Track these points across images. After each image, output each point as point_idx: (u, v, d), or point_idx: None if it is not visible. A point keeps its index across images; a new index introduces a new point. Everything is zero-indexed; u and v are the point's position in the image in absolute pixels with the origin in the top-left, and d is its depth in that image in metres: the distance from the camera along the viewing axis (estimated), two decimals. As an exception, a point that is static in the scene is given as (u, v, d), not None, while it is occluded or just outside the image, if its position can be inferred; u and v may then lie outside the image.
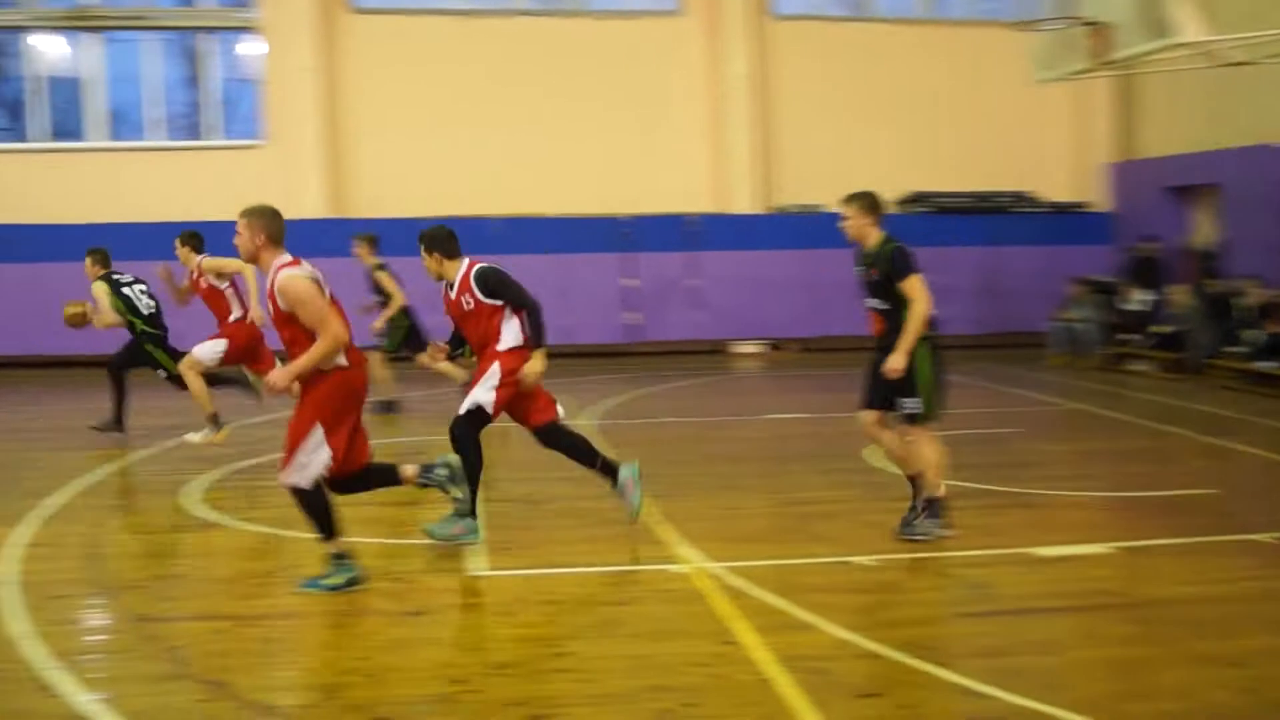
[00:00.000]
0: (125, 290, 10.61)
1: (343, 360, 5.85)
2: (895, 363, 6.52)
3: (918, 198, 19.46)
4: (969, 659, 5.00)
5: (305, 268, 5.88)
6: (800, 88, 19.61)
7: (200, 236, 10.56)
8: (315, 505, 5.97)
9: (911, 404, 6.67)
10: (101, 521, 7.55)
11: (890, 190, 18.75)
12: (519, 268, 17.89)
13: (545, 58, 18.90)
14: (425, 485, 6.47)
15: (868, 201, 6.83)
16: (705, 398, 13.86)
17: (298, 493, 5.92)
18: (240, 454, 9.79)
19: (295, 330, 5.81)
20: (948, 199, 19.57)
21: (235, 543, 7.06)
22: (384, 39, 18.59)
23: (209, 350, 10.04)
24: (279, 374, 5.83)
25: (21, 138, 19.02)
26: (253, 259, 6.00)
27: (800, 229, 18.79)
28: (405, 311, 12.29)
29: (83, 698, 4.63)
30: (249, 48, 19.02)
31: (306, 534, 7.03)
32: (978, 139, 19.73)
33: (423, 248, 6.97)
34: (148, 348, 10.65)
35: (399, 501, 7.91)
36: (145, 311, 10.64)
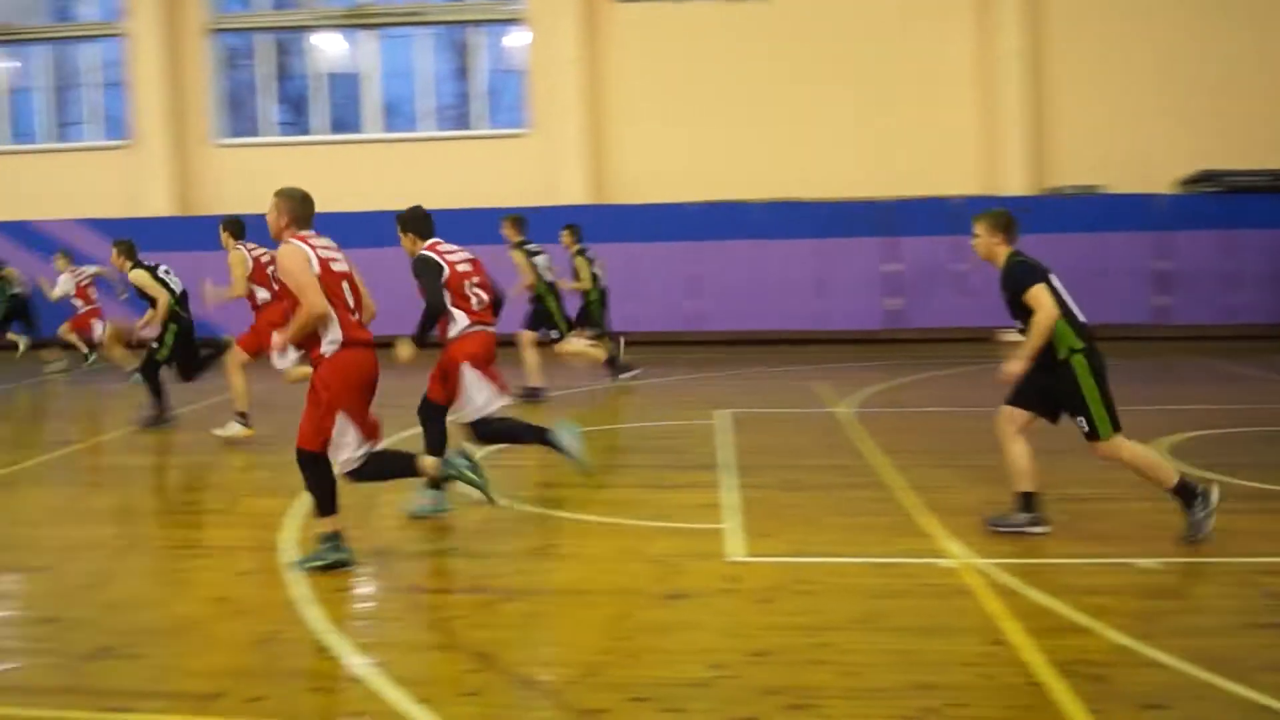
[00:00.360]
0: (161, 275, 11.04)
1: (337, 335, 6.01)
2: (1012, 368, 6.37)
3: (1205, 176, 18.03)
4: (1264, 673, 4.58)
5: (305, 244, 6.10)
6: (1077, 61, 18.65)
7: (241, 223, 10.66)
8: (321, 482, 6.13)
9: (1083, 423, 6.37)
10: (373, 495, 7.85)
11: (1177, 168, 17.68)
12: (778, 253, 17.99)
13: (806, 40, 18.68)
14: (447, 477, 6.48)
15: (996, 220, 6.64)
16: (969, 387, 13.41)
17: (306, 465, 6.09)
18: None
19: (294, 302, 6.05)
20: (1239, 177, 18.10)
21: (499, 519, 7.21)
22: (645, 26, 18.77)
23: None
24: (277, 338, 6.18)
25: (304, 131, 20.20)
26: (277, 236, 6.28)
27: (1077, 211, 17.81)
28: (553, 294, 12.39)
29: (357, 661, 4.82)
30: (515, 39, 19.57)
31: (572, 514, 7.19)
32: (1274, 110, 18.27)
33: (399, 228, 7.44)
34: (170, 330, 10.94)
35: (652, 485, 7.96)
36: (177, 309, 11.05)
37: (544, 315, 12.44)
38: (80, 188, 19.96)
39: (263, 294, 10.33)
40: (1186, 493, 6.37)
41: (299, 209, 6.28)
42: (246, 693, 4.55)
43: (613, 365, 13.09)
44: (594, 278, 13.19)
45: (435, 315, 7.22)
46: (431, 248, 7.36)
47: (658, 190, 17.84)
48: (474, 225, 17.41)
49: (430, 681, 4.60)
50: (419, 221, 7.47)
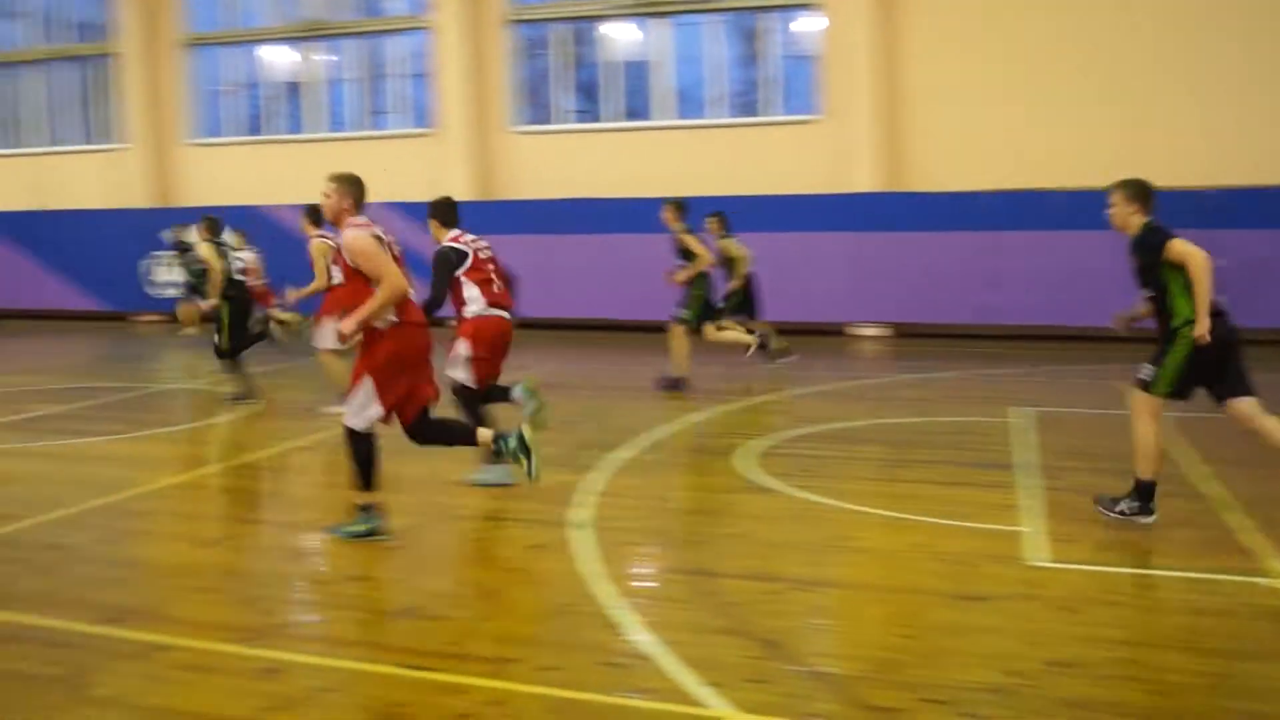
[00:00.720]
0: (222, 253, 11.74)
1: (394, 316, 6.21)
2: (1200, 329, 6.20)
3: None
4: None
5: (370, 228, 6.31)
6: None
7: (320, 210, 10.72)
8: (361, 452, 6.34)
9: (1146, 370, 6.49)
10: (663, 477, 7.94)
11: None
12: (1079, 245, 16.90)
13: (1117, 18, 17.51)
14: (498, 453, 6.72)
15: (1132, 189, 6.50)
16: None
17: (349, 435, 6.32)
18: (791, 423, 9.97)
19: (359, 284, 6.22)
20: None
21: (789, 509, 7.13)
22: (942, 10, 18.13)
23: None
24: (347, 321, 6.20)
25: (597, 119, 20.67)
26: (336, 220, 6.48)
27: None
28: (705, 279, 12.07)
29: (644, 639, 4.84)
30: (806, 24, 19.37)
31: (861, 506, 7.04)
32: None
33: (428, 214, 7.83)
34: (226, 309, 11.54)
35: (943, 482, 7.71)
36: (236, 277, 11.74)
37: (695, 302, 12.20)
38: (388, 174, 21.09)
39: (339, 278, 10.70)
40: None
41: (358, 192, 6.50)
42: (539, 661, 4.65)
43: (765, 350, 12.84)
44: (739, 263, 13.17)
45: (433, 308, 7.39)
46: (455, 239, 7.67)
47: (954, 178, 17.26)
48: (765, 212, 17.51)
49: (718, 665, 4.56)
50: (442, 210, 7.75)
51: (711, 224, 13.19)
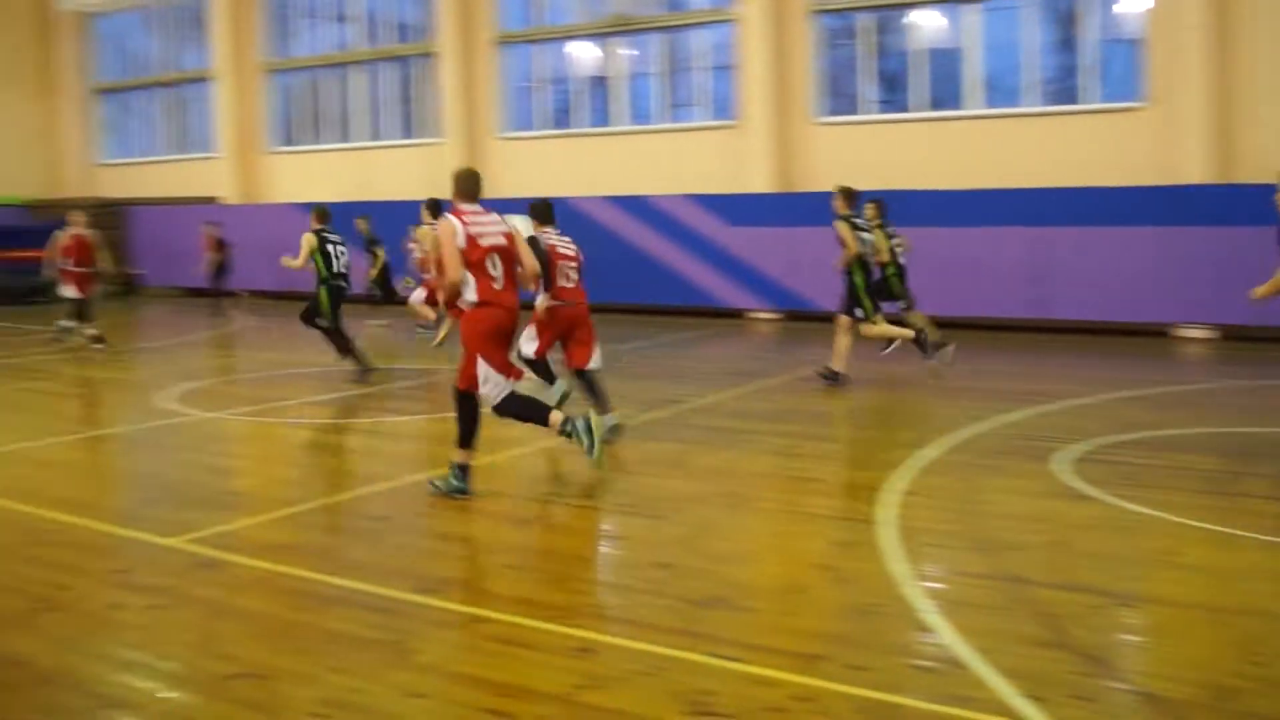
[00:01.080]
0: (328, 248, 12.43)
1: (471, 298, 7.10)
2: None
3: None
4: None
5: (459, 220, 7.08)
6: None
7: (439, 204, 11.63)
8: (466, 416, 7.26)
9: None
10: (973, 478, 7.65)
11: None
12: None
13: None
14: (565, 434, 7.27)
15: None
16: None
17: (459, 397, 7.28)
18: (1111, 428, 9.42)
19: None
20: None
21: (1109, 518, 6.74)
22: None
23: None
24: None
25: (900, 108, 20.21)
26: (454, 209, 7.27)
27: None
28: (865, 271, 11.87)
29: (956, 644, 4.67)
30: (1128, 6, 18.29)
31: (1185, 519, 6.58)
32: None
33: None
34: (323, 294, 12.39)
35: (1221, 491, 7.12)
36: (336, 269, 12.45)
37: (854, 294, 11.93)
38: (690, 165, 21.36)
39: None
40: None
41: (467, 185, 7.30)
42: (848, 659, 4.56)
43: (921, 344, 12.27)
44: (891, 252, 13.15)
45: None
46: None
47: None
48: (1080, 205, 16.66)
49: (1038, 678, 4.33)
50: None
51: (869, 211, 13.12)
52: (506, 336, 7.29)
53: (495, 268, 7.15)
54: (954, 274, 17.29)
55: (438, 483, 7.36)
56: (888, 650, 4.74)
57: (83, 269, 16.01)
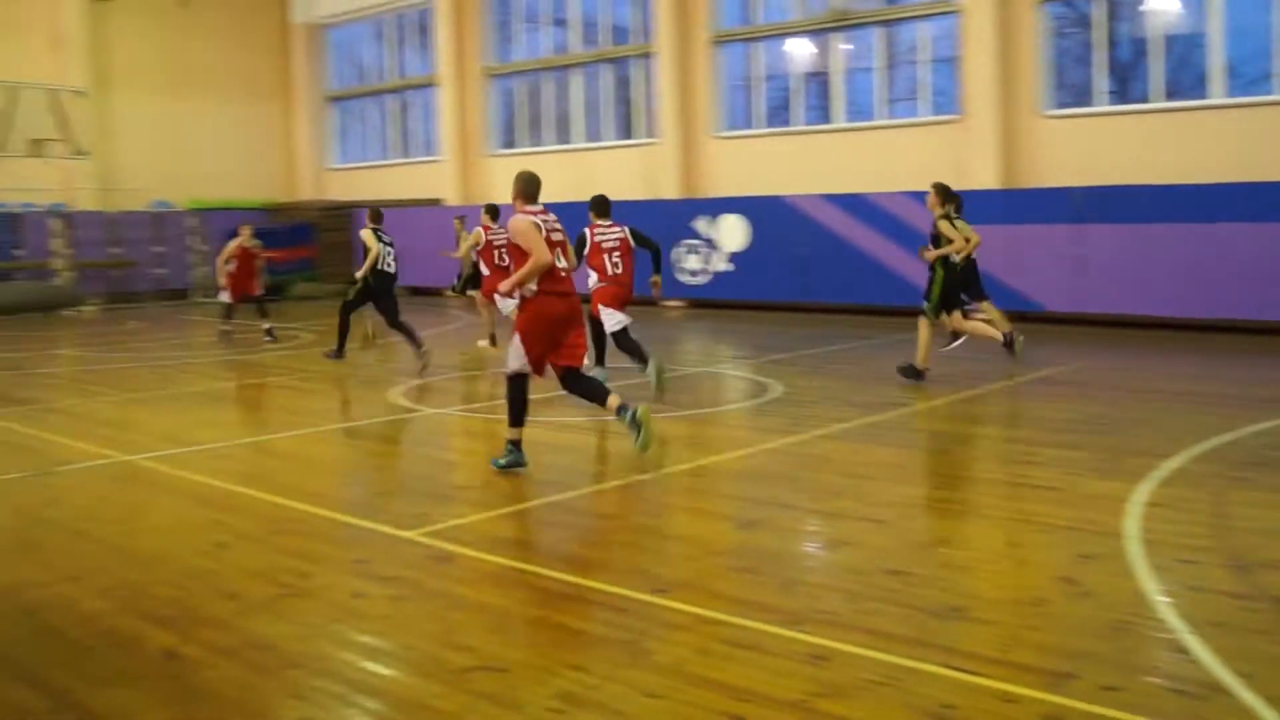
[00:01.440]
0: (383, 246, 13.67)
1: (533, 287, 7.76)
2: None
3: None
4: None
5: (531, 216, 7.83)
6: None
7: (498, 209, 13.03)
8: (515, 395, 7.92)
9: None
10: (1222, 491, 7.22)
11: None
12: None
13: None
14: (620, 419, 8.09)
15: None
16: None
17: (508, 379, 7.93)
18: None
19: (521, 259, 7.82)
20: None
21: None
22: None
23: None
24: (505, 283, 8.02)
25: (1132, 99, 19.27)
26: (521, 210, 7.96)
27: None
28: (950, 268, 11.73)
29: (1218, 668, 4.39)
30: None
31: None
32: None
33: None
34: (357, 291, 13.88)
35: None
36: (381, 268, 13.66)
37: (933, 289, 11.91)
38: (910, 162, 20.90)
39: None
40: None
41: (527, 188, 7.98)
42: (1099, 679, 4.35)
43: (1010, 347, 12.44)
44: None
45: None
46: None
47: None
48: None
49: (1312, 709, 4.04)
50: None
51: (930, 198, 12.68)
52: (561, 328, 7.93)
53: (559, 260, 7.89)
54: (1201, 273, 16.34)
55: (500, 461, 8.00)
56: (1140, 670, 4.51)
57: (244, 276, 17.66)
